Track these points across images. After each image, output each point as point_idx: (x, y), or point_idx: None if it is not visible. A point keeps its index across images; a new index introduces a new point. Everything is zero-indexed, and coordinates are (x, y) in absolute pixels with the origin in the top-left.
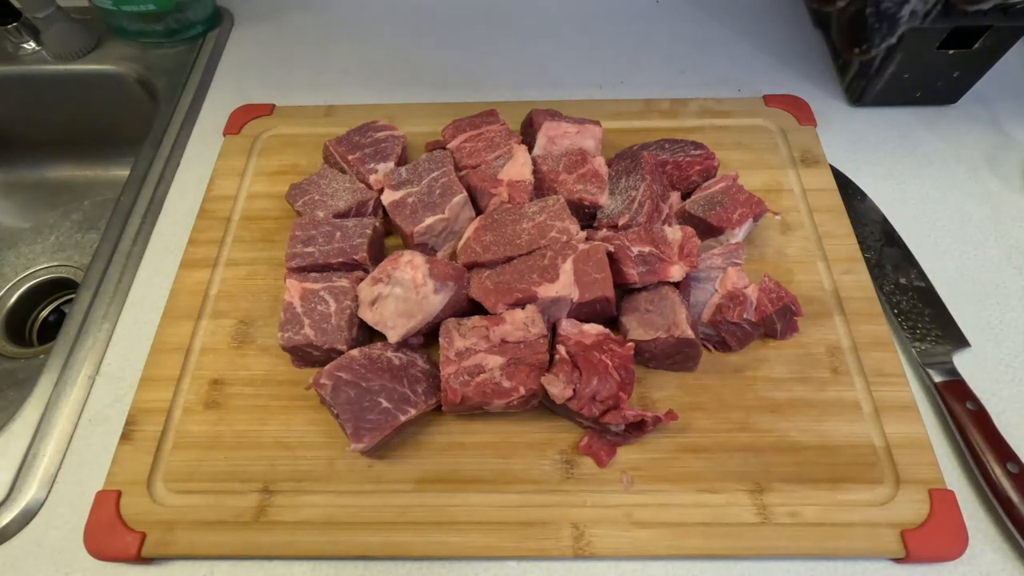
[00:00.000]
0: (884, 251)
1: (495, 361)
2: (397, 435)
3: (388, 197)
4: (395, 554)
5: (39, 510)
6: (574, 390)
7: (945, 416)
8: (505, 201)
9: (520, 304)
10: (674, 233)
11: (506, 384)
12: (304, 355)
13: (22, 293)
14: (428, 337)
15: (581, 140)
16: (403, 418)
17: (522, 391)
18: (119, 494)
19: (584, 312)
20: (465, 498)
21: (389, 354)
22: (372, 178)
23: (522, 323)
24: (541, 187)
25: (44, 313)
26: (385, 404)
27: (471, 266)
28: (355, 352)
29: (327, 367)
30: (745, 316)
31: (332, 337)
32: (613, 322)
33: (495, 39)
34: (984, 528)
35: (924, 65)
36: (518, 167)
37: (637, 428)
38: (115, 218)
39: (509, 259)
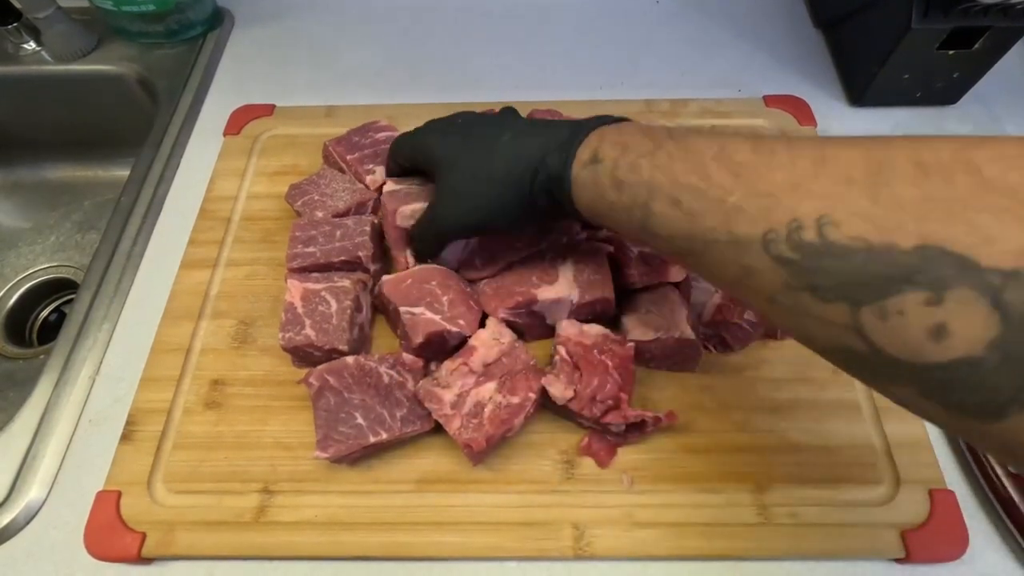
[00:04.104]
0: None
1: (490, 388)
2: (374, 452)
3: (389, 187)
4: (395, 555)
5: (39, 510)
6: (575, 391)
7: None
8: None
9: (520, 307)
10: None
11: (515, 400)
12: (305, 355)
13: (22, 293)
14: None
15: None
16: (372, 439)
17: (532, 396)
18: (119, 494)
19: (584, 313)
20: (465, 498)
21: (383, 369)
22: (369, 178)
23: (491, 340)
24: None
25: (44, 313)
26: (359, 421)
27: (473, 281)
28: (350, 359)
29: (319, 367)
30: (745, 316)
31: (333, 337)
32: (614, 322)
33: (496, 40)
34: (984, 528)
35: (924, 66)
36: None
37: (637, 428)
38: (115, 218)
39: (510, 264)
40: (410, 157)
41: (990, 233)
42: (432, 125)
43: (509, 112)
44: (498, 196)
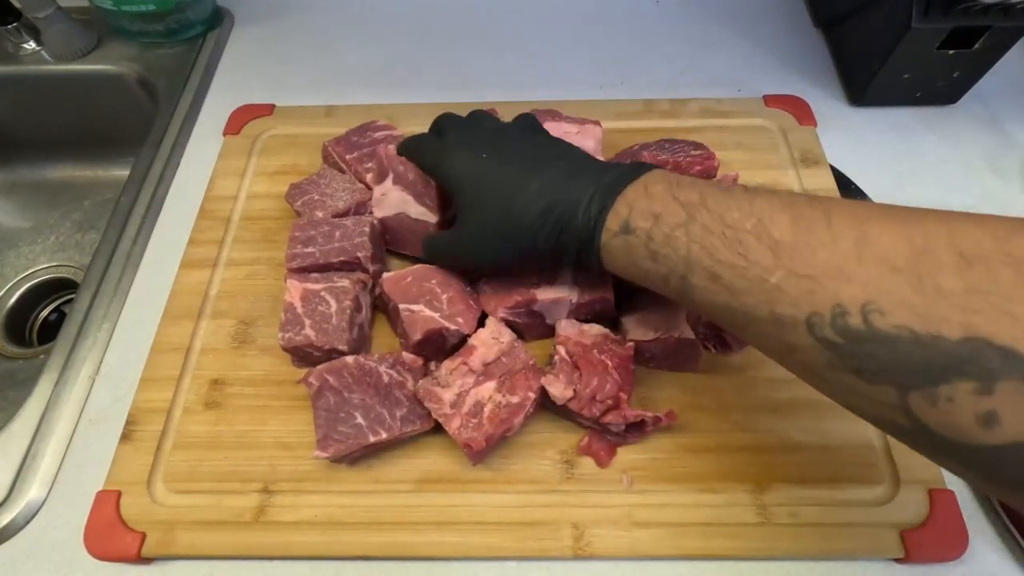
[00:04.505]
0: None
1: (489, 387)
2: (374, 452)
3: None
4: (395, 554)
5: (39, 510)
6: (574, 390)
7: None
8: None
9: (520, 307)
10: None
11: (514, 400)
12: (304, 355)
13: (22, 293)
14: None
15: (582, 140)
16: (372, 439)
17: (531, 395)
18: (119, 494)
19: (584, 312)
20: (465, 498)
21: (382, 369)
22: (369, 177)
23: (490, 339)
24: None
25: (44, 313)
26: (359, 420)
27: (473, 280)
28: (350, 359)
29: (319, 367)
30: None
31: (333, 337)
32: (614, 322)
33: (495, 39)
34: (984, 528)
35: (924, 65)
36: None
37: (637, 428)
38: (115, 218)
39: None
40: (431, 172)
41: None
42: (456, 146)
43: (531, 134)
44: (525, 246)
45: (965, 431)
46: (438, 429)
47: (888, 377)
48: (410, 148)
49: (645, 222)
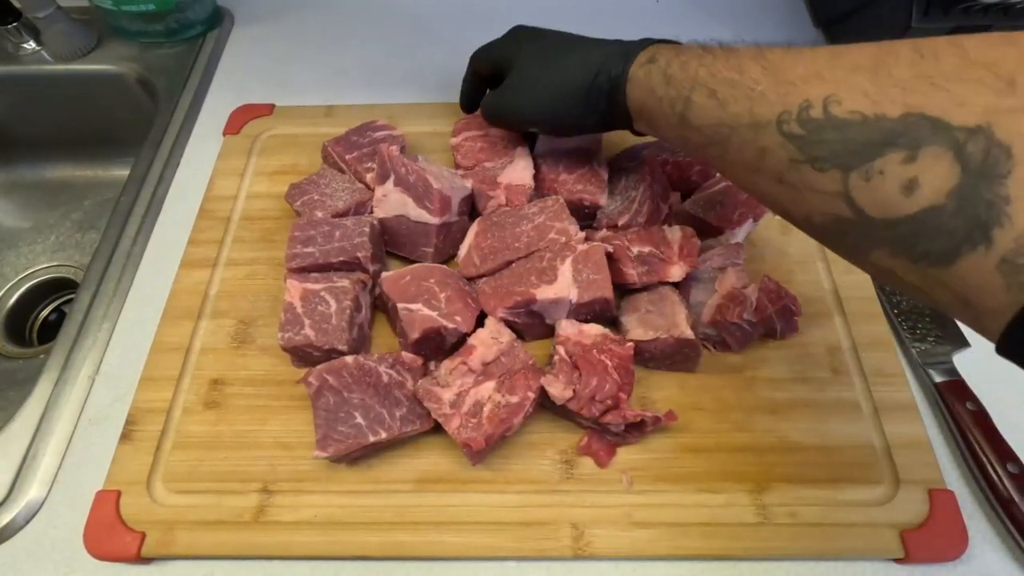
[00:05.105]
0: None
1: (489, 387)
2: (374, 451)
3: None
4: (395, 554)
5: (39, 510)
6: (574, 391)
7: (945, 416)
8: (503, 204)
9: (519, 306)
10: (674, 233)
11: (513, 400)
12: (304, 355)
13: (22, 293)
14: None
15: (582, 139)
16: (372, 439)
17: (531, 395)
18: (119, 494)
19: (583, 313)
20: (464, 498)
21: (382, 369)
22: (369, 177)
23: (490, 339)
24: (541, 187)
25: (44, 313)
26: (359, 420)
27: (472, 279)
28: (349, 359)
29: (319, 367)
30: (745, 316)
31: (332, 337)
32: (613, 322)
33: (496, 38)
34: (984, 528)
35: None
36: (519, 171)
37: (637, 428)
38: (115, 218)
39: (508, 263)
40: (493, 58)
41: (964, 98)
42: (516, 28)
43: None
44: (567, 92)
45: (891, 203)
46: (438, 429)
47: (835, 160)
48: (478, 54)
49: (668, 54)
